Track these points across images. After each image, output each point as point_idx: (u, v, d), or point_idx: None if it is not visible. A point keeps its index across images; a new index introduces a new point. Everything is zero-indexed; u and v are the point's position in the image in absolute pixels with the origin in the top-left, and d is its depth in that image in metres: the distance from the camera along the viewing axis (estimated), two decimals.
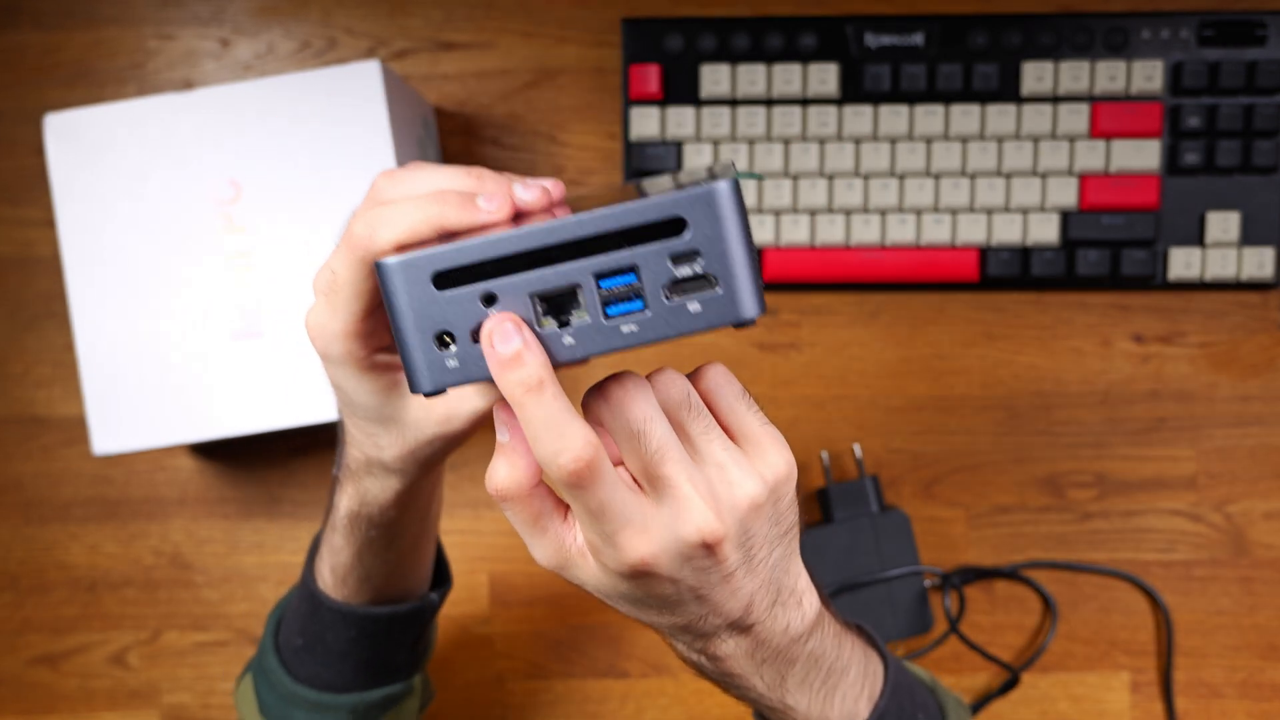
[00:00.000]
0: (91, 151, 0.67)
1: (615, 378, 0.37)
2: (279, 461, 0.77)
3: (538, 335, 0.35)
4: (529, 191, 0.39)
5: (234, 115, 0.66)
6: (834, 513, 0.73)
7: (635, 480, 0.37)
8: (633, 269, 0.34)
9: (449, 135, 0.77)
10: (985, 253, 0.74)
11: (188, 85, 0.77)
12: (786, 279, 0.74)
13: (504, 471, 0.37)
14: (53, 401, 0.77)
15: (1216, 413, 0.75)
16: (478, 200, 0.38)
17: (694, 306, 0.35)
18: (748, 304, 0.35)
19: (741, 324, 0.35)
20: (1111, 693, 0.75)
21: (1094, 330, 0.75)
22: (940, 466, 0.76)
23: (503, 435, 0.37)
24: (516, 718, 0.77)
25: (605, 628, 0.77)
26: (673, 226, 0.34)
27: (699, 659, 0.42)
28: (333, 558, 0.52)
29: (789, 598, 0.41)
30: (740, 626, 0.40)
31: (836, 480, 0.75)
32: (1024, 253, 0.74)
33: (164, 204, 0.67)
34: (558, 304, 0.35)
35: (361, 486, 0.48)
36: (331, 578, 0.53)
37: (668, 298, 0.35)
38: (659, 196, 0.34)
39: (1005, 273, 0.74)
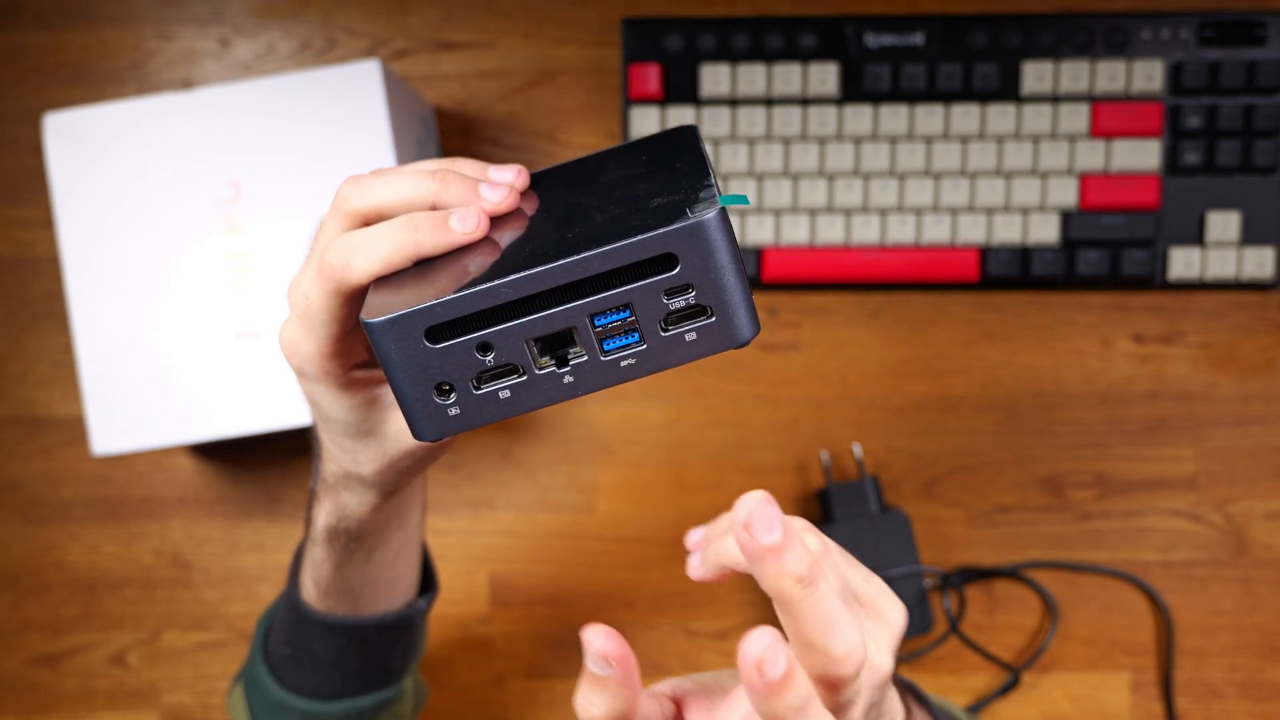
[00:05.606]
0: (91, 151, 0.67)
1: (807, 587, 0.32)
2: (279, 461, 0.77)
3: (536, 376, 0.35)
4: (496, 193, 0.38)
5: (234, 115, 0.66)
6: (834, 513, 0.73)
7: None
8: (627, 306, 0.34)
9: (449, 135, 0.77)
10: (985, 253, 0.74)
11: (188, 85, 0.77)
12: (786, 279, 0.74)
13: (604, 708, 0.34)
14: (53, 401, 0.77)
15: (1216, 413, 0.75)
16: (450, 222, 0.37)
17: (690, 336, 0.35)
18: (743, 328, 0.35)
19: (738, 347, 0.35)
20: (1111, 693, 0.75)
21: (1094, 330, 0.75)
22: (940, 466, 0.76)
23: (602, 669, 0.33)
24: (516, 718, 0.77)
25: None
26: (664, 262, 0.34)
27: None
28: (314, 570, 0.52)
29: (885, 718, 0.40)
30: None
31: (836, 480, 0.75)
32: (1024, 253, 0.74)
33: (164, 204, 0.67)
34: (554, 344, 0.35)
35: (339, 500, 0.47)
36: (315, 589, 0.52)
37: (663, 329, 0.34)
38: (647, 234, 0.33)
39: (1005, 273, 0.74)
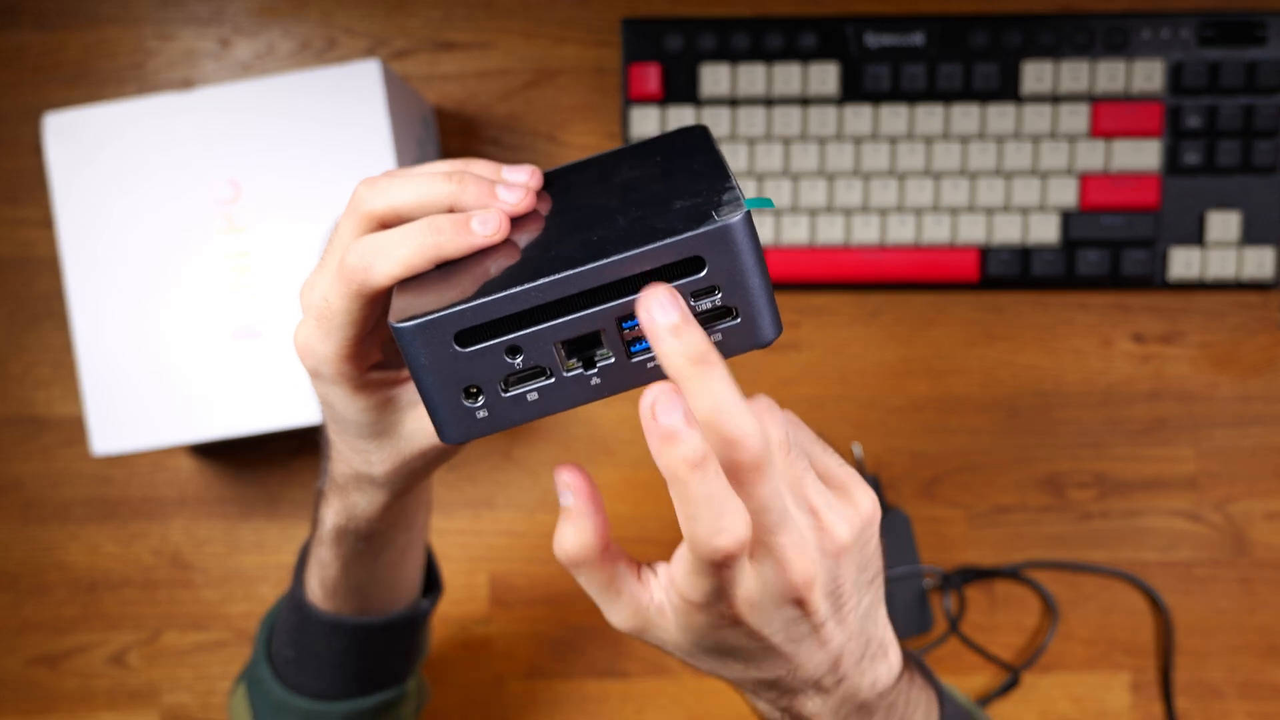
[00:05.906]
0: (91, 151, 0.67)
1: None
2: (279, 461, 0.77)
3: (563, 379, 0.35)
4: (513, 194, 0.39)
5: (234, 115, 0.66)
6: None
7: None
8: None
9: (449, 135, 0.77)
10: (985, 253, 0.74)
11: (188, 85, 0.77)
12: (786, 279, 0.74)
13: (572, 538, 0.35)
14: (52, 401, 0.77)
15: (1216, 413, 0.75)
16: (472, 224, 0.37)
17: (716, 337, 0.35)
18: (767, 329, 0.35)
19: (762, 347, 0.35)
20: (1111, 693, 0.75)
21: (1094, 330, 0.75)
22: (940, 466, 0.76)
23: (566, 499, 0.35)
24: (516, 718, 0.77)
25: (605, 628, 0.76)
26: (690, 265, 0.34)
27: (781, 717, 0.41)
28: (321, 571, 0.52)
29: (876, 650, 0.40)
30: (828, 683, 0.39)
31: None
32: (1024, 253, 0.74)
33: (164, 204, 0.67)
34: (581, 346, 0.35)
35: (348, 501, 0.47)
36: (321, 590, 0.53)
37: None
38: (676, 237, 0.33)
39: (1005, 273, 0.74)
